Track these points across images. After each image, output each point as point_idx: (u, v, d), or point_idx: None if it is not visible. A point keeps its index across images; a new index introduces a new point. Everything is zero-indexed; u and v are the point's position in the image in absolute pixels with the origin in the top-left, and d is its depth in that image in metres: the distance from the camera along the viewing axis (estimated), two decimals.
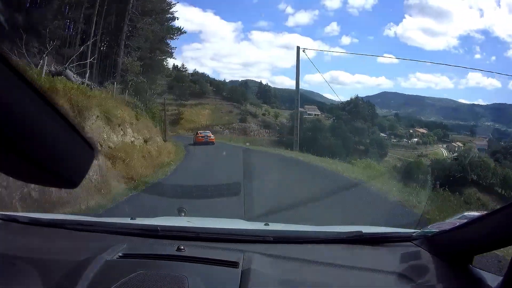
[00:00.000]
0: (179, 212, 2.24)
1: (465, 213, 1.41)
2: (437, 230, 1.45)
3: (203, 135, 23.03)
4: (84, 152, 0.73)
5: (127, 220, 1.81)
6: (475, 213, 1.31)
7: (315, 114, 42.12)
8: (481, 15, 54.13)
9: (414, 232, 1.58)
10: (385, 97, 48.03)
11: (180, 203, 3.48)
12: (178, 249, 1.37)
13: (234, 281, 1.17)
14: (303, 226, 1.91)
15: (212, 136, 23.79)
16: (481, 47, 47.44)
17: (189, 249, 1.39)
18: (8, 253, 1.32)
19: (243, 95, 45.74)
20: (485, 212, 1.19)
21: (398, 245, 1.56)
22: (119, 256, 1.32)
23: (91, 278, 1.13)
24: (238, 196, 5.57)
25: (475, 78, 61.65)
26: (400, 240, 1.60)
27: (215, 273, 1.25)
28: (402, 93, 49.91)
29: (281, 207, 5.28)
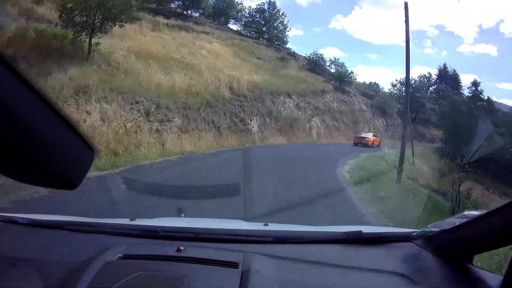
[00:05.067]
0: (179, 212, 2.23)
1: (465, 213, 1.41)
2: (437, 230, 1.45)
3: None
4: (84, 153, 0.73)
5: (127, 221, 1.80)
6: (475, 213, 1.31)
7: None
8: None
9: (414, 231, 1.58)
10: None
11: None
12: (178, 250, 1.36)
13: (234, 281, 1.17)
14: (302, 227, 1.90)
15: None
16: None
17: (189, 249, 1.39)
18: (7, 254, 1.32)
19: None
20: (485, 211, 1.19)
21: (398, 245, 1.56)
22: (118, 257, 1.32)
23: (91, 279, 1.13)
24: None
25: None
26: (400, 239, 1.60)
27: (215, 274, 1.25)
28: None
29: None
